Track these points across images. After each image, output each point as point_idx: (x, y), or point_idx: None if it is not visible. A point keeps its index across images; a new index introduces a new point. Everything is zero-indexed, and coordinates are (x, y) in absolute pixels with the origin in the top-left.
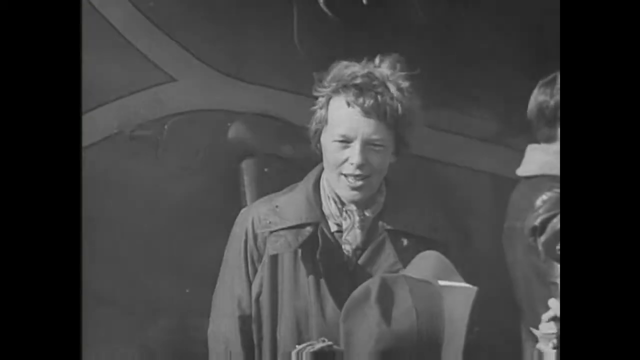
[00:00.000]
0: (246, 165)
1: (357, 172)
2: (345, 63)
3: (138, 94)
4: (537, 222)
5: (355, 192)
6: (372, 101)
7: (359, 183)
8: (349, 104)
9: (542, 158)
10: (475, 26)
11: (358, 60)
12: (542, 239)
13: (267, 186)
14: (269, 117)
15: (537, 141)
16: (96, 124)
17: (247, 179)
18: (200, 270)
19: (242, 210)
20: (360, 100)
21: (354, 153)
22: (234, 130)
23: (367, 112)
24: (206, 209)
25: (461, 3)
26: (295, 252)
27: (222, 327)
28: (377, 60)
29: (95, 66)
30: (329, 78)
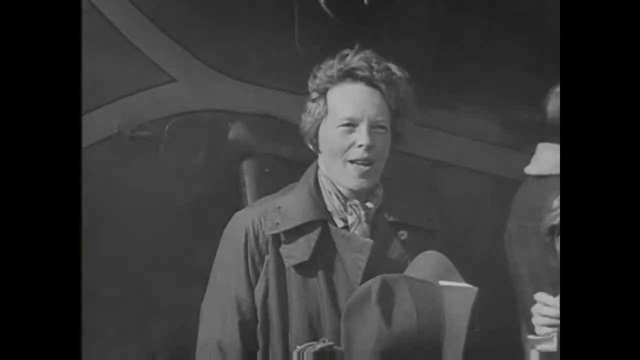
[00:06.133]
0: (247, 166)
1: (365, 155)
2: (330, 62)
3: (138, 94)
4: (556, 221)
5: (362, 180)
6: (383, 74)
7: (366, 169)
8: (358, 77)
9: (557, 157)
10: (476, 26)
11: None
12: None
13: (268, 186)
14: (269, 117)
15: (550, 141)
16: (96, 124)
17: (247, 180)
18: (200, 271)
19: (237, 213)
20: (370, 72)
21: (361, 135)
22: (235, 131)
23: (376, 83)
24: (206, 209)
25: (462, 3)
26: None
27: (217, 335)
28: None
29: (95, 66)
30: (320, 74)
